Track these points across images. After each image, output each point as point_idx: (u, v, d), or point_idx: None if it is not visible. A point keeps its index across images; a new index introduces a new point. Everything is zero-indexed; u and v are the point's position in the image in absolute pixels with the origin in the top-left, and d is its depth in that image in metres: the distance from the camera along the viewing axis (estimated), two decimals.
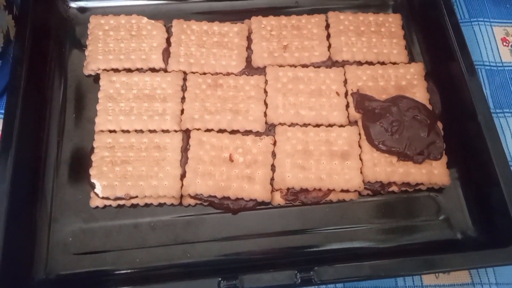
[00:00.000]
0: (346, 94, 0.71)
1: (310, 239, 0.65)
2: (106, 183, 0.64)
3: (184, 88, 0.72)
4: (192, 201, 0.65)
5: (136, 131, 0.68)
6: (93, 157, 0.66)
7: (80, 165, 0.68)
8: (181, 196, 0.65)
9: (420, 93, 0.71)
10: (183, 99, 0.71)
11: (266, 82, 0.72)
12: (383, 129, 0.68)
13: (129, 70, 0.73)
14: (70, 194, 0.66)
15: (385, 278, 0.64)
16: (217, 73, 0.73)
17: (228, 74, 0.73)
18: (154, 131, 0.68)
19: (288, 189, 0.66)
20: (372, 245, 0.65)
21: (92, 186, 0.64)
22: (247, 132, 0.69)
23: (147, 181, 0.64)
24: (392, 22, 0.78)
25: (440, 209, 0.67)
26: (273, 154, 0.67)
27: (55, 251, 0.63)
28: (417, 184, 0.67)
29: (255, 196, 0.64)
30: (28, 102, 0.66)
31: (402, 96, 0.70)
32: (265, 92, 0.71)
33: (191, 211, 0.66)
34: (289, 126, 0.69)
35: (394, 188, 0.67)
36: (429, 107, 0.70)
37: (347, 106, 0.71)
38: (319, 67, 0.74)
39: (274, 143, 0.68)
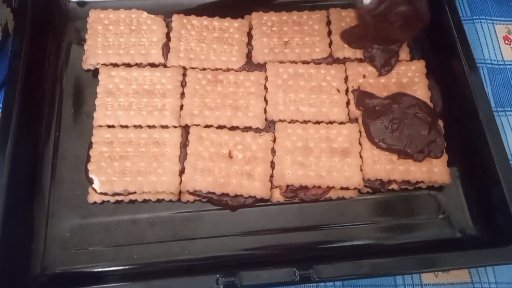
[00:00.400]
0: (346, 91, 0.71)
1: (309, 237, 0.64)
2: (104, 178, 0.64)
3: (183, 84, 0.71)
4: (191, 198, 0.65)
5: (135, 126, 0.68)
6: (91, 152, 0.66)
7: (78, 160, 0.67)
8: (180, 192, 0.65)
9: (421, 90, 0.71)
10: (182, 94, 0.70)
11: (266, 78, 0.72)
12: (384, 127, 0.67)
13: (128, 65, 0.72)
14: (68, 189, 0.66)
15: (384, 276, 0.64)
16: (217, 69, 0.72)
17: (228, 69, 0.73)
18: (153, 126, 0.68)
19: (287, 186, 0.65)
20: (371, 243, 0.64)
21: (90, 182, 0.64)
22: (247, 129, 0.68)
23: (146, 177, 0.64)
24: None
25: (440, 207, 0.67)
26: (273, 151, 0.67)
27: (53, 246, 0.62)
28: (417, 182, 0.66)
29: (254, 193, 0.64)
30: (26, 96, 0.66)
31: (403, 94, 0.70)
32: (265, 88, 0.71)
33: (189, 208, 0.65)
34: (289, 122, 0.69)
35: (394, 186, 0.67)
36: (430, 104, 0.70)
37: (348, 103, 0.70)
38: (320, 63, 0.73)
39: (274, 140, 0.67)
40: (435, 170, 0.66)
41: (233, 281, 0.55)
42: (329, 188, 0.65)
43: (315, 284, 0.62)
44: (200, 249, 0.63)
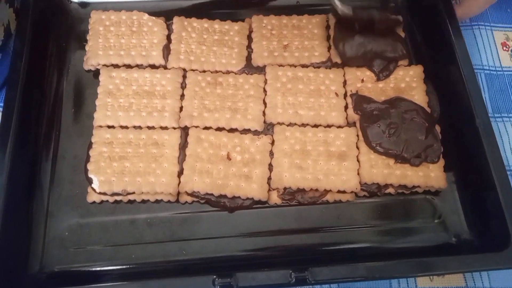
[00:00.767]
0: (345, 95, 0.72)
1: (306, 239, 0.65)
2: (104, 178, 0.64)
3: (183, 86, 0.72)
4: (189, 199, 0.65)
5: (134, 127, 0.68)
6: (91, 152, 0.66)
7: (77, 160, 0.68)
8: (178, 193, 0.65)
9: (419, 95, 0.71)
10: (182, 96, 0.71)
11: (265, 81, 0.72)
12: (381, 131, 0.68)
13: (129, 66, 0.72)
14: (67, 189, 0.66)
15: (380, 280, 0.64)
16: (217, 71, 0.73)
17: (228, 72, 0.73)
18: (152, 127, 0.68)
19: (285, 188, 0.66)
20: (367, 246, 0.65)
21: (90, 181, 0.64)
22: (246, 131, 0.69)
23: (145, 178, 0.64)
24: None
25: (436, 212, 0.68)
26: (271, 153, 0.67)
27: (51, 245, 0.63)
28: (414, 187, 0.67)
29: (252, 195, 0.64)
30: (27, 95, 0.66)
31: (400, 98, 0.71)
32: (264, 91, 0.71)
33: (187, 209, 0.66)
34: (288, 125, 0.69)
35: (390, 190, 0.67)
36: (428, 110, 0.70)
37: (346, 107, 0.71)
38: (318, 67, 0.74)
39: (272, 143, 0.68)
40: (431, 175, 0.66)
41: (229, 282, 0.55)
42: (326, 191, 0.66)
43: (310, 287, 0.62)
44: (197, 249, 0.63)
